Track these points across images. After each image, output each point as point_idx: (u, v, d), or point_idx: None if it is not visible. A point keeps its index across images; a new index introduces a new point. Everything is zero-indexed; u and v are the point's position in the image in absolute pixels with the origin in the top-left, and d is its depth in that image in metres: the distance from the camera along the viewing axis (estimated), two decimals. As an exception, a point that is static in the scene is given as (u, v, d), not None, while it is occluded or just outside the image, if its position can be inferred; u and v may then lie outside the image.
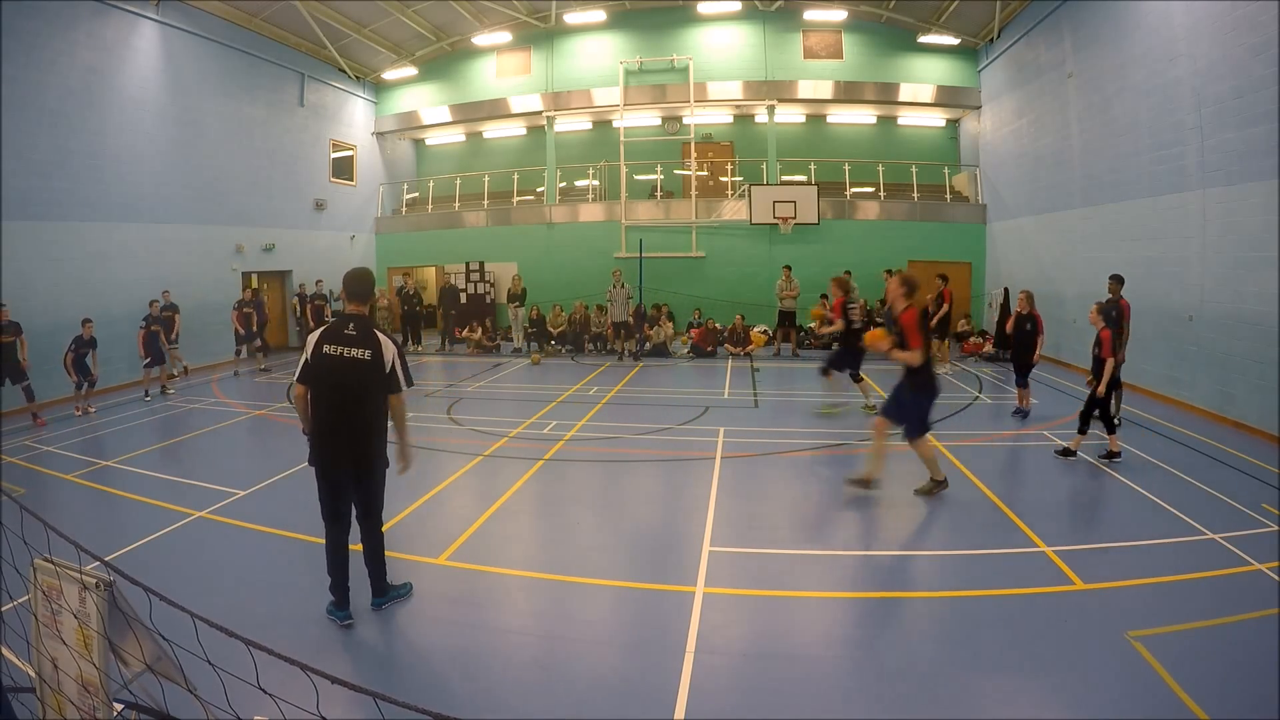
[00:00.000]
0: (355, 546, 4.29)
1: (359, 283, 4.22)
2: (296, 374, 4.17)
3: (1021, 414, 9.37)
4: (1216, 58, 8.98)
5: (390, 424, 4.23)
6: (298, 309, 17.01)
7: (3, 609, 2.76)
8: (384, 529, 4.37)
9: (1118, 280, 8.92)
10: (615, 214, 18.42)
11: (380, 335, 4.12)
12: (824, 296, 16.94)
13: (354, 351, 4.03)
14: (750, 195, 17.20)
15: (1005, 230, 16.61)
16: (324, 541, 4.24)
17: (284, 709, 1.79)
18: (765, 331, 16.60)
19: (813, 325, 13.80)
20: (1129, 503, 6.18)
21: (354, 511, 4.25)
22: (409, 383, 4.25)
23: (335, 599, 4.24)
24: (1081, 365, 12.47)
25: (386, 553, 4.42)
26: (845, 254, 17.29)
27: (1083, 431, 7.39)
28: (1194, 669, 3.61)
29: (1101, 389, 7.07)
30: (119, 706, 2.39)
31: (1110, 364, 7.06)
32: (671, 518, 6.10)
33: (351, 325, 4.09)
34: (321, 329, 4.16)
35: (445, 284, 18.26)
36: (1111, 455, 7.28)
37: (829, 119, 19.61)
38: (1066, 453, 7.43)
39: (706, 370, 13.80)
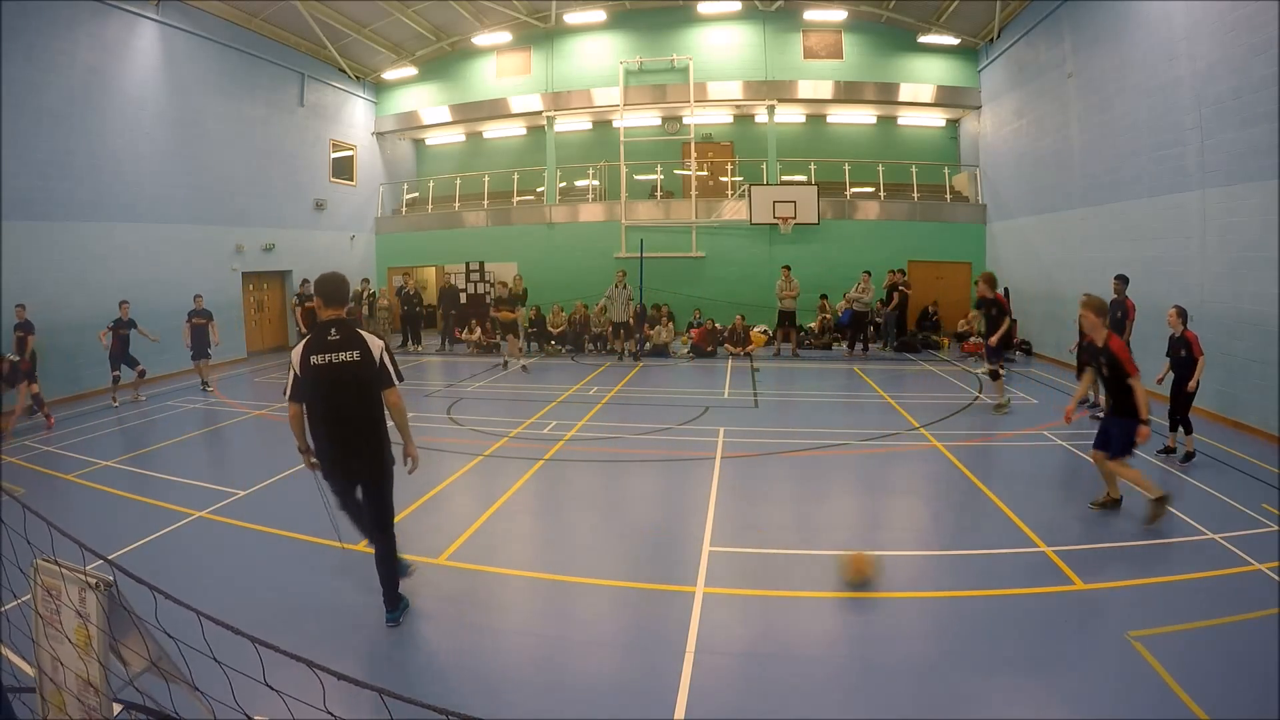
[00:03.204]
0: (359, 547, 4.29)
1: (335, 287, 4.14)
2: (288, 393, 4.07)
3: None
4: (1216, 58, 8.98)
5: (390, 423, 4.21)
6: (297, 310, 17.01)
7: (5, 608, 2.77)
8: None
9: (1122, 280, 8.93)
10: (615, 214, 18.42)
11: (364, 334, 4.08)
12: (824, 297, 17.04)
13: (342, 355, 3.97)
14: (750, 195, 17.20)
15: (1005, 230, 16.62)
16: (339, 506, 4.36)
17: (290, 705, 1.79)
18: (765, 331, 16.60)
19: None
20: (1129, 503, 6.17)
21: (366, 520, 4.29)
22: (400, 378, 4.26)
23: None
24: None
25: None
26: (845, 254, 17.32)
27: (1174, 430, 7.40)
28: (1194, 669, 3.61)
29: (1193, 385, 7.04)
30: (120, 705, 2.39)
31: (1203, 361, 7.04)
32: (671, 518, 6.10)
33: (333, 330, 4.01)
34: (303, 342, 4.05)
35: (445, 284, 18.27)
36: (1189, 456, 7.23)
37: (829, 119, 19.62)
38: (1168, 450, 7.45)
39: (706, 370, 13.80)
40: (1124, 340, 8.60)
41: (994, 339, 9.62)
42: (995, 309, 9.68)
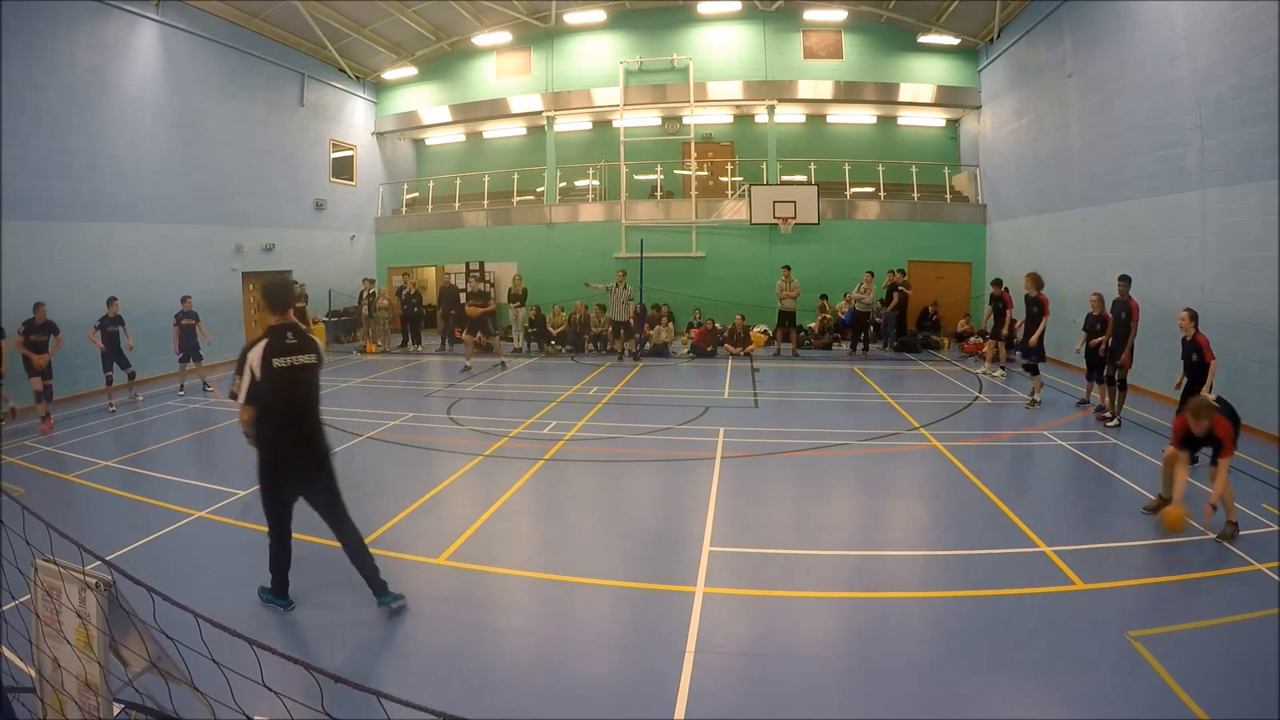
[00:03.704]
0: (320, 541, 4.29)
1: (282, 292, 4.34)
2: (243, 396, 4.09)
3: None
4: (1216, 58, 8.98)
5: None
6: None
7: (4, 608, 2.76)
8: (382, 530, 4.41)
9: (1126, 280, 8.91)
10: (615, 214, 18.42)
11: (313, 337, 4.38)
12: (824, 297, 17.03)
13: (302, 358, 4.20)
14: (750, 195, 17.20)
15: (1005, 230, 16.61)
16: (271, 547, 4.32)
17: (289, 707, 1.79)
18: (765, 331, 16.60)
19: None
20: (1129, 503, 6.17)
21: (324, 516, 4.36)
22: None
23: (278, 589, 4.38)
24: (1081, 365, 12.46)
25: (380, 552, 4.52)
26: (845, 254, 17.32)
27: None
28: (1194, 669, 3.61)
29: (1204, 391, 6.87)
30: (120, 705, 2.39)
31: (1214, 365, 6.94)
32: (671, 518, 6.10)
33: (290, 334, 4.19)
34: (261, 346, 4.10)
35: (445, 284, 18.26)
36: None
37: (829, 119, 19.61)
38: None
39: (706, 370, 13.80)
40: (1131, 342, 8.63)
41: (1033, 338, 10.05)
42: (1036, 307, 10.17)
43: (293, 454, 4.18)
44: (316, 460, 4.25)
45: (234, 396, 4.14)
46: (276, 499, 4.26)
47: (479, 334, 14.31)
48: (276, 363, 4.08)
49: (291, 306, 4.35)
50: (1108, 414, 9.03)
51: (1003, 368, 12.86)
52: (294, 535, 5.16)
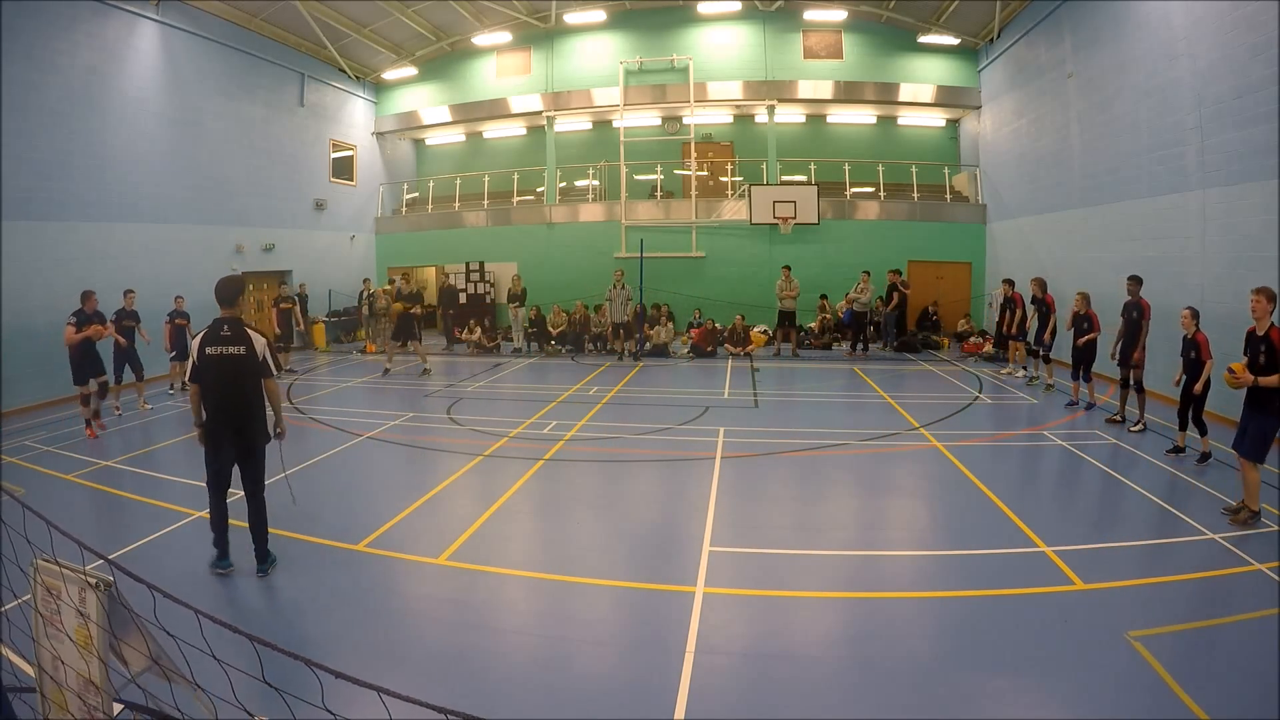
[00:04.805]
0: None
1: (227, 289, 4.85)
2: (187, 375, 4.87)
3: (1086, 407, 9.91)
4: (1216, 58, 8.99)
5: (269, 404, 4.94)
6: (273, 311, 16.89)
7: (5, 607, 2.77)
8: (382, 530, 4.43)
9: (1136, 281, 8.87)
10: (615, 214, 18.42)
11: (250, 332, 4.79)
12: (824, 297, 17.04)
13: (231, 349, 4.71)
14: (750, 195, 17.21)
15: (1005, 230, 16.61)
16: (209, 509, 4.87)
17: (290, 704, 1.79)
18: (765, 331, 16.60)
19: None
20: (1129, 503, 6.18)
21: (243, 488, 4.89)
22: (278, 370, 5.04)
23: (220, 552, 4.86)
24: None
25: (379, 552, 4.63)
26: (845, 254, 17.33)
27: (1184, 429, 7.37)
28: (1194, 669, 3.61)
29: (1198, 388, 6.97)
30: (121, 705, 2.39)
31: (1210, 364, 6.95)
32: (671, 518, 6.10)
33: (225, 327, 4.74)
34: (202, 334, 4.76)
35: (445, 284, 18.25)
36: (1205, 457, 7.17)
37: (829, 119, 19.62)
38: (1177, 450, 7.46)
39: (706, 370, 13.80)
40: (1143, 342, 8.60)
41: (1046, 334, 11.20)
42: (1044, 308, 11.28)
43: (225, 426, 4.74)
44: (245, 437, 4.77)
45: (185, 377, 4.73)
46: (211, 466, 4.80)
47: (404, 339, 13.72)
48: (209, 350, 4.68)
49: (237, 303, 4.85)
50: (1116, 415, 8.95)
51: (1015, 365, 12.86)
52: (293, 535, 5.17)
